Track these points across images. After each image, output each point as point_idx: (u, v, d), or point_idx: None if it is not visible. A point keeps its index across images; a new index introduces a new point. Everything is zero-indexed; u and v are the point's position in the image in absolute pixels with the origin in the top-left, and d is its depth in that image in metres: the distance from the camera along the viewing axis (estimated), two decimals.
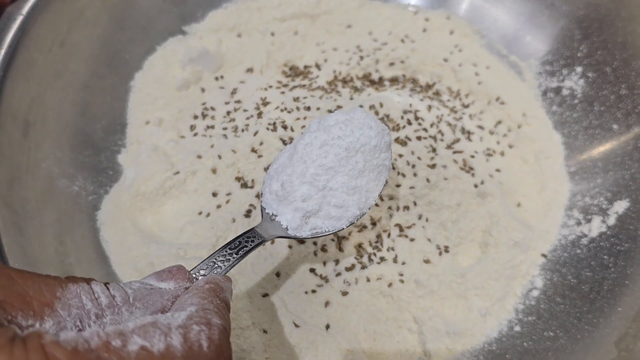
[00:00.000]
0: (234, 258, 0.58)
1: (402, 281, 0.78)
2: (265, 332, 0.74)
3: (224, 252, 0.58)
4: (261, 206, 0.67)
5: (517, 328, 0.78)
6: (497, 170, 0.88)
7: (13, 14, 0.79)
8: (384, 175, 0.68)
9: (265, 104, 0.91)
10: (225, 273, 0.56)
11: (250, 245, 0.61)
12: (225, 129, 0.89)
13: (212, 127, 0.90)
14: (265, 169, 0.83)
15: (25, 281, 0.37)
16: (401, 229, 0.80)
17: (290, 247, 0.79)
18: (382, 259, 0.79)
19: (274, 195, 0.65)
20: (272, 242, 0.78)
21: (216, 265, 0.56)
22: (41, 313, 0.38)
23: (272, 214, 0.65)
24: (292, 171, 0.64)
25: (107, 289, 0.42)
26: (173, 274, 0.49)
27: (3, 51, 0.76)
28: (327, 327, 0.76)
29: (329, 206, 0.64)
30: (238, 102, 0.92)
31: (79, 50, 0.87)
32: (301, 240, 0.79)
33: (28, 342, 0.33)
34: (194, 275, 0.53)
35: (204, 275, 0.55)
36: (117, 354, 0.35)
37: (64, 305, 0.39)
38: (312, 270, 0.78)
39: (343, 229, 0.66)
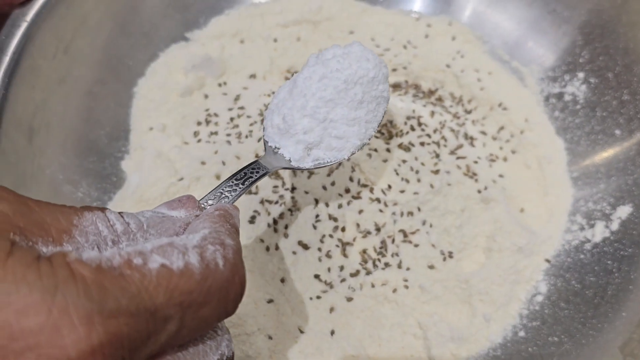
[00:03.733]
0: (240, 188, 0.59)
1: (406, 287, 0.78)
2: (270, 338, 0.74)
3: (230, 183, 0.59)
4: (264, 139, 0.68)
5: (522, 333, 0.78)
6: (500, 175, 0.88)
7: (17, 20, 0.79)
8: (382, 106, 0.70)
9: None
10: (233, 203, 0.57)
11: (256, 175, 0.62)
12: (228, 135, 0.89)
13: (216, 133, 0.90)
14: (269, 175, 0.83)
15: (42, 209, 0.38)
16: (405, 235, 0.81)
17: (294, 253, 0.79)
18: (387, 264, 0.79)
19: (276, 129, 0.67)
20: (276, 228, 0.79)
21: (223, 196, 0.57)
22: (60, 239, 0.38)
23: (275, 147, 0.67)
24: (292, 105, 0.65)
25: (122, 216, 0.43)
26: (183, 202, 0.50)
27: (7, 58, 0.77)
28: (332, 332, 0.76)
29: (330, 137, 0.66)
30: (241, 108, 0.92)
31: (83, 56, 0.87)
32: (305, 246, 0.79)
33: (53, 260, 0.34)
34: (202, 205, 0.54)
35: (212, 204, 0.56)
36: (139, 271, 0.36)
37: (81, 232, 0.40)
38: (317, 276, 0.78)
39: (345, 159, 0.68)
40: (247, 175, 0.61)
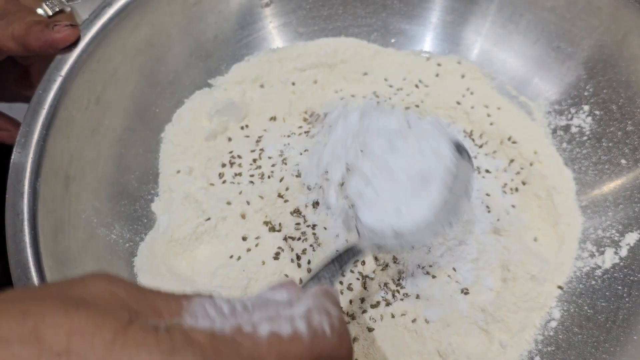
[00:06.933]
0: (337, 271, 0.63)
1: (425, 316, 0.81)
2: None
3: (329, 268, 0.63)
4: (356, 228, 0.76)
5: (537, 359, 0.81)
6: (512, 206, 0.92)
7: (53, 75, 0.84)
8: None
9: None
10: (332, 284, 0.61)
11: (352, 257, 0.68)
12: (252, 175, 0.93)
13: (240, 174, 0.94)
14: (292, 213, 0.87)
15: (154, 295, 0.40)
16: (423, 267, 0.84)
17: None
18: (406, 295, 0.83)
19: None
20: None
21: (322, 280, 0.61)
22: (171, 321, 0.40)
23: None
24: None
25: (228, 301, 0.44)
26: (284, 286, 0.51)
27: (45, 111, 0.81)
28: None
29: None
30: (263, 149, 0.96)
31: (113, 106, 0.93)
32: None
33: (170, 329, 0.36)
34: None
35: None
36: (251, 338, 0.38)
37: (191, 314, 0.40)
38: (340, 309, 0.81)
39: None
40: (344, 260, 0.66)
